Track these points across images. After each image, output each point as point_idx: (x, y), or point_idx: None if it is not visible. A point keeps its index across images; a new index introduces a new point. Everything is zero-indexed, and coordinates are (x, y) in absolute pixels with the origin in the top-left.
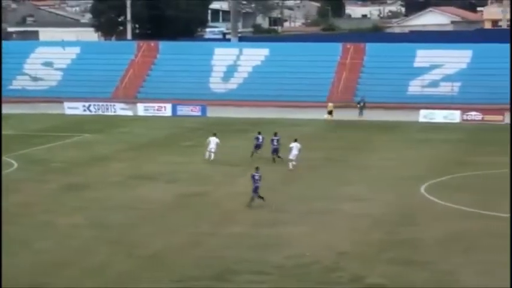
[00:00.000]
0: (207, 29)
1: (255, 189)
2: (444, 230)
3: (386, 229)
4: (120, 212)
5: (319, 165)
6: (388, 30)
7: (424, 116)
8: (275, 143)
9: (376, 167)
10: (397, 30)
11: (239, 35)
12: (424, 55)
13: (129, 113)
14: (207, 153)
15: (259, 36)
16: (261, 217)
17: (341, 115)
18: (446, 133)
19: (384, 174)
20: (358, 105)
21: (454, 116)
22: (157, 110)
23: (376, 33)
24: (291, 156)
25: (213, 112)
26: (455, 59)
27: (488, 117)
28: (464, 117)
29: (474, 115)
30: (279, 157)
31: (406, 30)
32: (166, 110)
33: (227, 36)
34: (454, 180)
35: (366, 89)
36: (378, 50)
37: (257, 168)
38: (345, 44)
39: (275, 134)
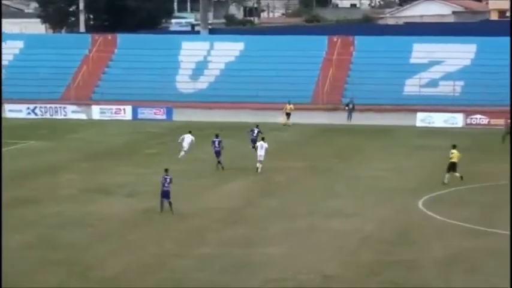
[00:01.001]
0: (173, 20)
1: (164, 194)
2: (444, 249)
3: (378, 249)
4: (73, 229)
5: (302, 176)
6: (380, 22)
7: (422, 119)
8: (216, 145)
9: (368, 178)
10: (390, 21)
11: (210, 26)
12: (421, 50)
13: (83, 116)
14: (182, 153)
15: (232, 28)
16: (234, 235)
17: (327, 119)
18: (447, 139)
19: (376, 186)
20: (347, 108)
21: (456, 120)
22: (116, 113)
23: (366, 25)
24: (259, 158)
25: (180, 115)
26: (458, 54)
27: (495, 121)
28: (468, 121)
29: (479, 119)
30: (219, 162)
31: (401, 21)
32: (126, 113)
33: (196, 28)
34: (456, 194)
35: (355, 89)
36: (369, 44)
37: (166, 170)
38: (331, 37)
39: (216, 136)
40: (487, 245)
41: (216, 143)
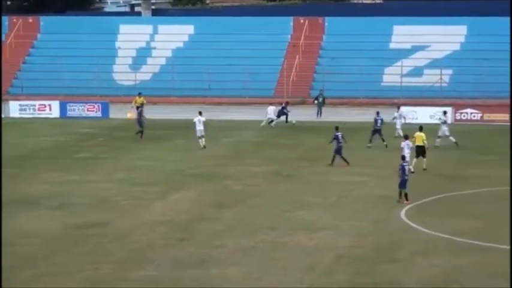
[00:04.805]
0: None
1: None
2: (432, 268)
3: (355, 268)
4: None
5: (264, 183)
6: (355, 0)
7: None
8: None
9: (341, 184)
10: (367, 0)
11: (153, 7)
12: (403, 33)
13: None
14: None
15: (180, 8)
16: (184, 254)
17: (294, 115)
18: (434, 138)
19: (351, 194)
20: (316, 102)
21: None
22: (39, 109)
23: (338, 4)
24: (199, 133)
25: (118, 112)
26: (445, 38)
27: (489, 116)
28: (458, 116)
29: (470, 113)
30: None
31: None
32: (52, 109)
33: (136, 9)
34: (445, 202)
35: (325, 80)
36: (342, 27)
37: None
38: (297, 18)
39: None
40: (483, 263)
41: None
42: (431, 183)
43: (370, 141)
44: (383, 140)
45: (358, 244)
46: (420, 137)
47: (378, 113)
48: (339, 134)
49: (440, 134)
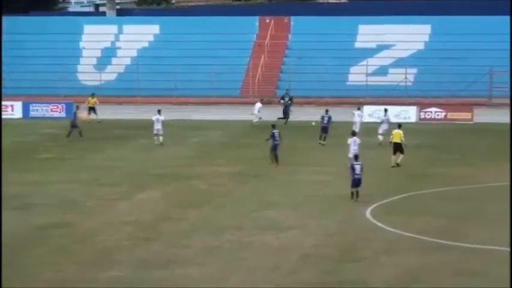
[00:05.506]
0: None
1: None
2: (397, 267)
3: (321, 267)
4: None
5: (230, 183)
6: (320, 0)
7: (370, 114)
8: None
9: (307, 184)
10: None
11: (117, 6)
12: (368, 32)
13: None
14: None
15: (145, 8)
16: (150, 254)
17: (260, 114)
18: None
19: (317, 194)
20: (282, 101)
21: (408, 114)
22: (1, 110)
23: (304, 3)
24: (156, 131)
25: (83, 112)
26: (410, 37)
27: (453, 115)
28: (422, 115)
29: (435, 112)
30: None
31: None
32: (15, 110)
33: (101, 9)
34: (410, 200)
35: (291, 79)
36: (307, 26)
37: None
38: (262, 18)
39: None
40: (450, 262)
41: None
42: (397, 182)
43: (324, 139)
44: (324, 139)
45: (324, 243)
46: (398, 134)
47: (326, 110)
48: (276, 131)
49: (380, 131)
